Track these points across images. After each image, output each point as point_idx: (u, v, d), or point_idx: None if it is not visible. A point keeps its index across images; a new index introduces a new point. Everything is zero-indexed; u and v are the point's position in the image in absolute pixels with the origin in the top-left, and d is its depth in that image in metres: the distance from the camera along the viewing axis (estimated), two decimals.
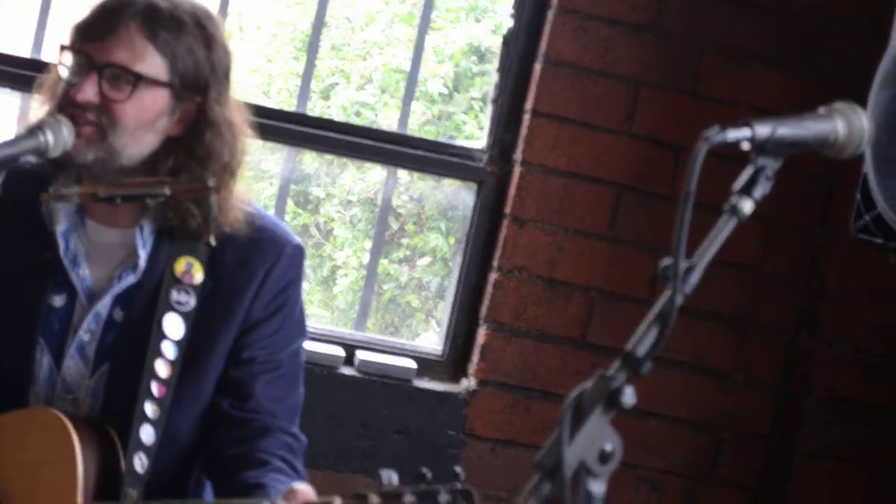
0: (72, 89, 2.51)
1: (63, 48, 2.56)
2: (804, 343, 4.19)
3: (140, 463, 2.53)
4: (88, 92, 2.49)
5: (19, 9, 4.04)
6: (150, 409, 2.55)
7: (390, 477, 2.22)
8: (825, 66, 4.13)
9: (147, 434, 2.55)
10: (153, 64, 2.52)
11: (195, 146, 2.57)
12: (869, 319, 4.12)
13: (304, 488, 2.33)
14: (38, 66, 3.85)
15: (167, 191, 2.50)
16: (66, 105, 2.51)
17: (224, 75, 2.61)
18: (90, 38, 2.52)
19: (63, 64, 2.55)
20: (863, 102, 3.14)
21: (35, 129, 2.44)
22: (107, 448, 2.53)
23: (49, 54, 3.88)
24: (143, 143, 2.54)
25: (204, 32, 2.57)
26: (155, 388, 2.56)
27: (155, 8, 2.53)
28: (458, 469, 2.22)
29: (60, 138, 2.44)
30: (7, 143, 2.40)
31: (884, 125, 3.16)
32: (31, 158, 2.52)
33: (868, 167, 3.20)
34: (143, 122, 2.53)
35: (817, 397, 4.14)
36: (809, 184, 4.14)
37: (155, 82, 2.52)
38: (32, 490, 2.51)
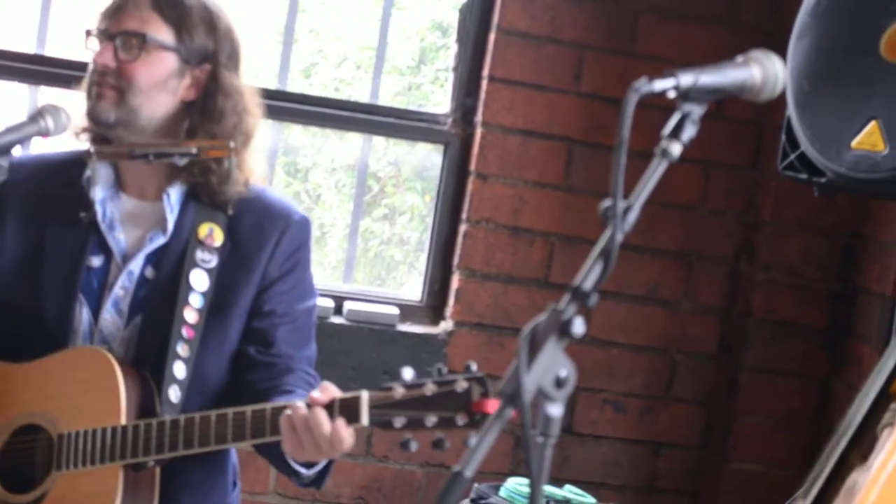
0: (93, 59, 2.62)
1: (88, 33, 2.65)
2: (744, 271, 4.19)
3: (174, 394, 2.56)
4: (105, 56, 2.59)
5: (22, 7, 4.02)
6: (181, 348, 2.58)
7: (409, 372, 2.27)
8: (748, 20, 4.12)
9: (179, 370, 2.57)
10: (159, 30, 2.60)
11: (208, 108, 2.63)
12: (799, 247, 4.12)
13: (333, 386, 2.36)
14: (42, 61, 3.84)
15: (194, 150, 2.58)
16: (91, 75, 2.62)
17: (231, 53, 2.69)
18: (105, 17, 2.63)
19: (90, 48, 2.65)
20: (783, 52, 3.12)
21: (36, 116, 2.48)
22: (144, 384, 2.56)
23: (52, 49, 3.88)
24: (158, 102, 2.61)
25: (208, 13, 2.66)
26: (185, 331, 2.59)
27: None
28: (470, 362, 2.26)
29: (59, 122, 2.48)
30: (11, 129, 2.42)
31: (803, 72, 3.14)
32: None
33: (791, 111, 3.18)
34: (154, 81, 2.60)
35: (758, 319, 4.13)
36: (741, 129, 4.14)
37: (161, 45, 2.60)
38: (79, 416, 2.52)
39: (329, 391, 2.33)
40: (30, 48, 3.89)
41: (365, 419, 2.28)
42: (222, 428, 2.41)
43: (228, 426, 2.41)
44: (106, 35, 2.60)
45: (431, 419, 2.24)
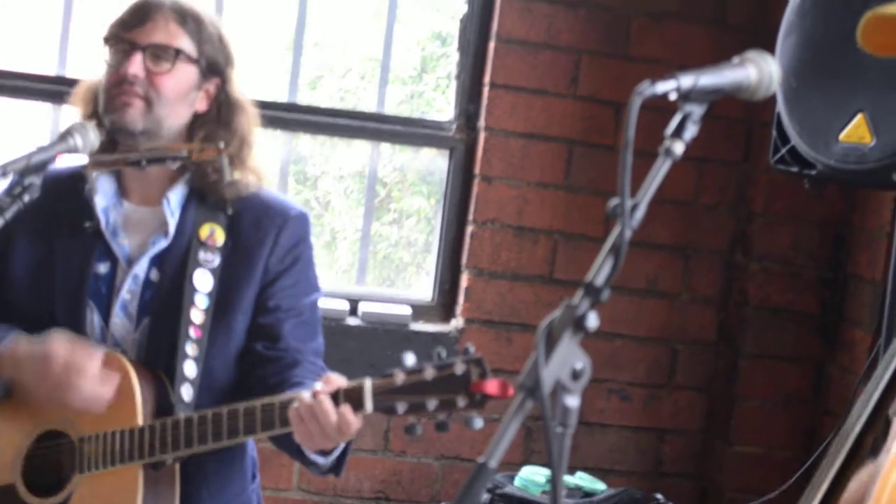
0: (119, 69, 2.58)
1: (106, 41, 2.62)
2: (739, 261, 4.20)
3: (187, 393, 2.55)
4: (135, 66, 2.56)
5: (43, 29, 4.03)
6: (190, 348, 2.56)
7: (411, 358, 2.23)
8: (736, 20, 4.13)
9: (190, 369, 2.56)
10: (186, 43, 2.60)
11: (220, 119, 2.64)
12: (791, 237, 4.13)
13: (336, 375, 2.35)
14: (63, 81, 3.85)
15: (185, 152, 2.57)
16: (116, 84, 2.58)
17: (234, 64, 2.69)
18: (130, 27, 2.60)
19: (105, 60, 2.61)
20: (771, 50, 3.13)
21: (65, 134, 2.47)
22: (158, 384, 2.55)
23: (73, 70, 3.88)
24: (180, 114, 2.61)
25: (216, 27, 2.67)
26: (192, 331, 2.57)
27: (179, 4, 2.64)
28: (468, 345, 2.24)
29: (88, 140, 2.47)
30: (43, 149, 2.41)
31: (791, 69, 3.15)
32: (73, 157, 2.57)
33: (781, 107, 3.19)
34: (180, 93, 2.59)
35: (754, 307, 4.14)
36: (732, 126, 4.14)
37: (189, 59, 2.60)
38: (98, 420, 2.52)
39: (333, 382, 2.31)
40: (52, 69, 3.91)
41: (369, 406, 2.26)
42: (234, 423, 2.41)
43: (240, 420, 2.41)
44: (133, 46, 2.58)
45: (433, 402, 2.21)
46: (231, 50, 2.68)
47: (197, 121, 2.64)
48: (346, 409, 2.27)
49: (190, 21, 2.61)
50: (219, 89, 2.65)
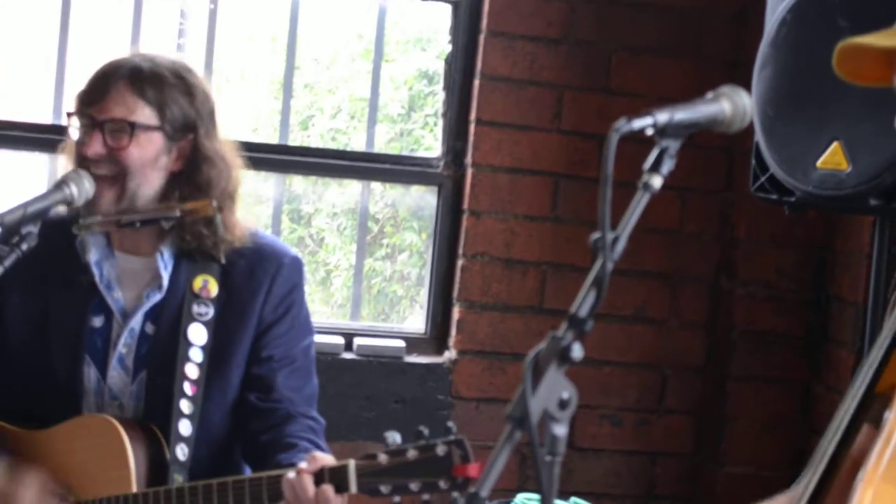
0: (82, 148, 2.56)
1: (70, 115, 2.61)
2: (724, 287, 4.21)
3: (182, 452, 2.54)
4: (95, 146, 2.54)
5: (38, 79, 4.04)
6: (185, 405, 2.55)
7: (394, 437, 2.24)
8: (713, 53, 4.15)
9: (185, 427, 2.55)
10: (144, 113, 2.55)
11: (195, 177, 2.60)
12: (774, 262, 4.14)
13: (323, 455, 2.34)
14: (58, 130, 3.85)
15: (177, 213, 2.55)
16: (82, 162, 2.56)
17: (209, 116, 2.64)
18: (90, 102, 2.57)
19: (73, 127, 2.60)
20: (747, 81, 3.15)
21: (61, 184, 2.48)
22: (153, 442, 2.54)
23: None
24: (152, 180, 2.57)
25: (184, 82, 2.61)
26: (187, 387, 2.56)
27: (138, 69, 2.58)
28: (450, 424, 2.23)
29: (83, 189, 2.48)
30: (39, 198, 2.41)
31: (768, 100, 3.17)
32: (62, 208, 2.55)
33: (759, 136, 3.21)
34: (146, 162, 2.55)
35: (740, 331, 4.15)
36: (713, 156, 4.16)
37: (148, 127, 2.55)
38: (94, 485, 2.51)
39: (317, 461, 2.30)
40: (46, 118, 3.91)
41: (353, 487, 2.25)
42: (224, 496, 2.38)
43: (229, 494, 2.38)
44: (92, 123, 2.56)
45: (415, 484, 2.21)
46: (206, 100, 2.63)
47: (173, 181, 2.60)
48: (328, 488, 2.26)
49: (148, 88, 2.56)
50: (192, 145, 2.61)
